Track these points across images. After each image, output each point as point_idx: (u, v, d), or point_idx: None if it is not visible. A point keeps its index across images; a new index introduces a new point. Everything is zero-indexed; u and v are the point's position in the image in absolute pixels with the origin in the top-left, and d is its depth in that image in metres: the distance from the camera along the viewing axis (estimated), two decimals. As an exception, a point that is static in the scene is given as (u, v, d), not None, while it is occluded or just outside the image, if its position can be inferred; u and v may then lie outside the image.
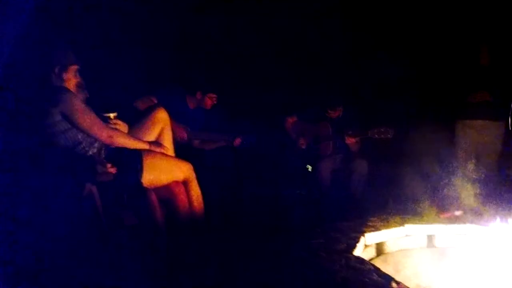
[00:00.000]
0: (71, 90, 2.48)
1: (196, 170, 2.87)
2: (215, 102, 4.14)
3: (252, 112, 4.61)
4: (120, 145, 2.57)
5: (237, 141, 4.22)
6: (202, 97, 4.08)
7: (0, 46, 2.24)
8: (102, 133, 2.49)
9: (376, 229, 2.40)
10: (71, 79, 2.49)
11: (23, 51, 2.38)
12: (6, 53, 2.27)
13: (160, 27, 4.49)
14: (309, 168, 4.35)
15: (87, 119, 2.45)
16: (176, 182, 2.76)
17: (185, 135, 3.80)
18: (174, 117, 3.27)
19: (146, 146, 2.70)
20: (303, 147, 4.40)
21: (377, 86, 5.07)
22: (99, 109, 2.62)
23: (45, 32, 2.57)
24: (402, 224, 2.49)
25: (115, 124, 2.64)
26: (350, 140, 4.12)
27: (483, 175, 4.04)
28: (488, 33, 4.13)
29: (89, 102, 2.62)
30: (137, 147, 2.64)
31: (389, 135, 3.89)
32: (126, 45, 4.04)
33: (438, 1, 4.86)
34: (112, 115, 2.66)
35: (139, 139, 2.71)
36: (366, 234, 2.30)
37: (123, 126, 2.69)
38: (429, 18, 4.85)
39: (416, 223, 2.52)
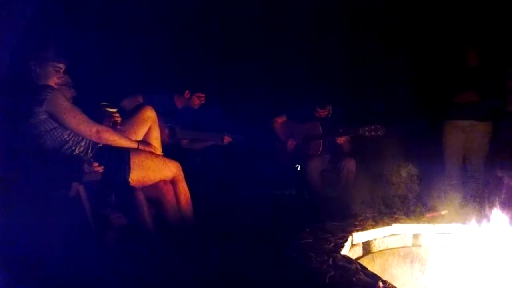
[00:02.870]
0: (56, 88, 2.44)
1: (184, 170, 2.86)
2: (203, 102, 4.13)
3: (241, 112, 4.60)
4: (108, 142, 2.55)
5: (226, 140, 4.22)
6: (190, 96, 4.06)
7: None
8: (90, 130, 2.47)
9: (364, 228, 2.41)
10: (53, 77, 2.46)
11: (7, 50, 2.35)
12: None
13: (149, 26, 4.46)
14: (298, 167, 4.34)
15: (74, 117, 2.42)
16: (164, 181, 2.75)
17: (170, 135, 3.79)
18: (162, 116, 3.25)
19: (134, 145, 2.69)
20: (291, 148, 4.38)
21: (365, 85, 5.09)
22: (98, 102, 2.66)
23: (30, 30, 2.54)
24: (389, 223, 2.51)
25: (116, 118, 2.68)
26: (341, 139, 4.11)
27: (469, 175, 4.10)
28: (476, 34, 4.17)
29: (76, 100, 2.59)
30: (125, 146, 2.63)
31: (380, 133, 3.90)
32: (113, 43, 4.00)
33: (427, 2, 4.90)
34: (115, 110, 2.71)
35: (128, 138, 2.70)
36: (354, 233, 2.31)
37: (121, 123, 2.72)
38: (418, 18, 4.89)
39: (402, 222, 2.54)
